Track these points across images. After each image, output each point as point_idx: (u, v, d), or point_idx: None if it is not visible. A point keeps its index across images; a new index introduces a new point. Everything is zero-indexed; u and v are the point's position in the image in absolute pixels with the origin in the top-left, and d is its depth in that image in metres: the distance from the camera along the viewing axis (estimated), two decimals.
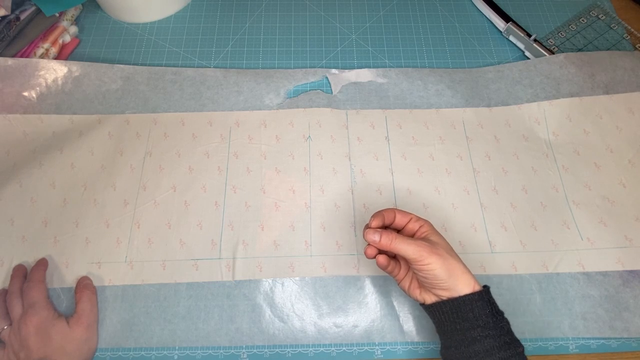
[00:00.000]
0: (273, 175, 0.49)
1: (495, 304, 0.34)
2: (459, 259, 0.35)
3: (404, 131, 0.51)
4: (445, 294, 0.34)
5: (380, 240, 0.35)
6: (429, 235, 0.36)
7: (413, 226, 0.37)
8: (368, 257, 0.37)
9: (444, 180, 0.48)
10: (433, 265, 0.34)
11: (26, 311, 0.38)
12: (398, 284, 0.39)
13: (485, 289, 0.34)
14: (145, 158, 0.49)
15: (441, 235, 0.37)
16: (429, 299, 0.36)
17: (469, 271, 0.35)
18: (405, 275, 0.38)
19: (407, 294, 0.38)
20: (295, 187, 0.48)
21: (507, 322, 0.34)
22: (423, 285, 0.36)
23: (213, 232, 0.46)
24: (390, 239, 0.35)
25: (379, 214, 0.37)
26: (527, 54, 0.57)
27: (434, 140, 0.50)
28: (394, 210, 0.38)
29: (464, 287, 0.34)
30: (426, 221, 0.38)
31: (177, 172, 0.48)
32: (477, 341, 0.33)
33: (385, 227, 0.38)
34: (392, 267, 0.38)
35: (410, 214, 0.38)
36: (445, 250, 0.35)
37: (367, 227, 0.37)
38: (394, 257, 0.39)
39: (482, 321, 0.33)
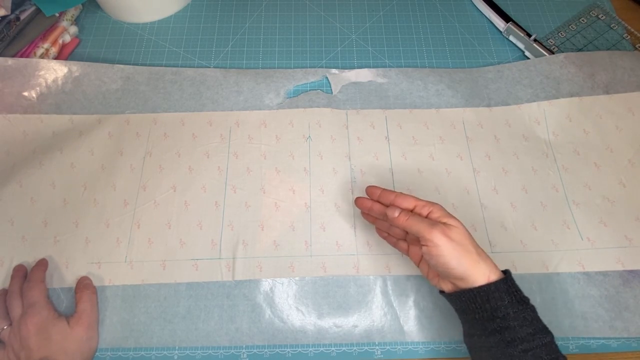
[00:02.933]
0: (273, 175, 0.49)
1: (518, 291, 0.33)
2: (475, 245, 0.34)
3: (404, 131, 0.51)
4: (462, 284, 0.33)
5: (398, 216, 0.35)
6: (442, 218, 0.34)
7: (420, 212, 0.36)
8: (361, 207, 0.39)
9: (444, 180, 0.48)
10: (442, 249, 0.32)
11: (26, 311, 0.38)
12: (417, 266, 0.38)
13: (504, 278, 0.32)
14: (145, 158, 0.49)
15: (456, 219, 0.35)
16: (446, 287, 0.35)
17: (486, 258, 0.33)
18: (421, 259, 0.37)
19: (427, 279, 0.37)
20: (295, 187, 0.48)
21: (532, 310, 0.33)
22: (439, 273, 0.35)
23: (213, 232, 0.46)
24: (407, 216, 0.35)
25: (407, 197, 0.36)
26: (527, 54, 0.57)
27: (434, 140, 0.50)
28: (394, 193, 0.37)
29: (479, 276, 0.32)
30: (434, 205, 0.35)
31: (177, 172, 0.48)
32: (497, 332, 0.32)
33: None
34: (403, 246, 0.38)
35: (416, 200, 0.36)
36: (460, 235, 0.33)
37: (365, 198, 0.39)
38: (404, 239, 0.39)
39: (501, 312, 0.32)
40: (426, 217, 0.35)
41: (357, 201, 0.41)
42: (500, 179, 0.48)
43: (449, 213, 0.36)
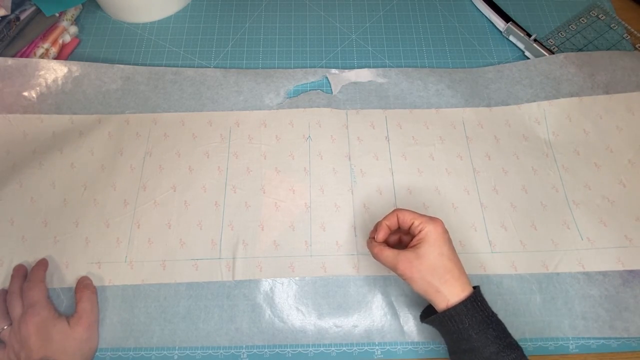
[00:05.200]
0: (273, 175, 0.49)
1: (480, 311, 0.34)
2: (445, 262, 0.35)
3: (404, 131, 0.51)
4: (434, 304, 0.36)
5: (367, 246, 0.40)
6: (419, 244, 0.36)
7: (414, 230, 0.37)
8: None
9: (444, 180, 0.48)
10: (408, 281, 0.36)
11: (26, 311, 0.38)
12: None
13: (463, 301, 0.34)
14: (145, 158, 0.49)
15: (437, 244, 0.35)
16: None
17: (450, 280, 0.34)
18: None
19: None
20: (295, 187, 0.48)
21: (496, 328, 0.34)
22: None
23: (213, 232, 0.46)
24: (372, 248, 0.38)
25: (382, 225, 0.38)
26: (527, 54, 0.57)
27: (434, 140, 0.50)
28: (395, 215, 0.38)
29: (440, 302, 0.34)
30: (429, 224, 0.36)
31: (177, 172, 0.48)
32: (466, 352, 0.33)
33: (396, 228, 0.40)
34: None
35: (414, 216, 0.37)
36: (426, 267, 0.35)
37: (372, 239, 0.39)
38: None
39: (465, 334, 0.33)
40: (409, 229, 0.38)
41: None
42: (500, 179, 0.48)
43: (423, 219, 0.36)
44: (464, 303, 0.34)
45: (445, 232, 0.36)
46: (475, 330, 0.33)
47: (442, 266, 0.35)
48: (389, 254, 0.37)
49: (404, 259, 0.35)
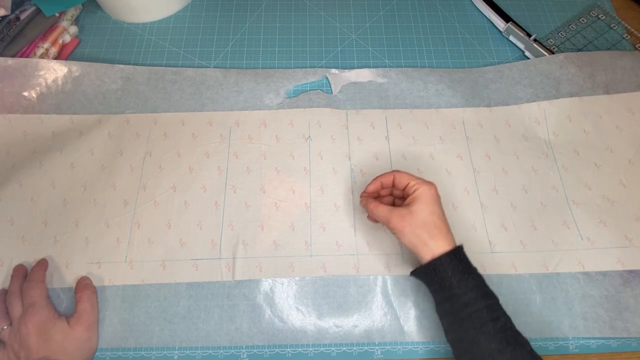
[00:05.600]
0: (273, 175, 0.49)
1: (461, 263, 0.36)
2: (435, 220, 0.37)
3: (404, 131, 0.51)
4: (417, 258, 0.38)
5: (361, 203, 0.43)
6: (413, 202, 0.38)
7: (408, 190, 0.40)
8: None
9: (444, 180, 0.48)
10: (398, 235, 0.38)
11: (26, 311, 0.38)
12: None
13: (447, 253, 0.36)
14: (145, 158, 0.49)
15: (430, 203, 0.38)
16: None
17: (438, 235, 0.37)
18: None
19: None
20: (295, 187, 0.48)
21: (475, 278, 0.36)
22: None
23: (213, 232, 0.46)
24: (368, 203, 0.41)
25: (376, 179, 0.42)
26: (527, 54, 0.57)
27: (434, 140, 0.50)
28: (392, 174, 0.41)
29: (425, 254, 0.37)
30: (424, 185, 0.39)
31: (177, 172, 0.48)
32: (447, 300, 0.36)
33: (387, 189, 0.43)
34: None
35: (410, 177, 0.40)
36: (417, 222, 0.37)
37: (363, 192, 0.43)
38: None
39: (447, 282, 0.36)
40: (404, 189, 0.40)
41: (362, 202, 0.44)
42: (500, 179, 0.48)
43: (419, 180, 0.40)
44: (447, 254, 0.36)
45: (438, 195, 0.39)
46: (457, 278, 0.36)
47: (431, 222, 0.38)
48: (383, 208, 0.39)
49: (397, 214, 0.38)
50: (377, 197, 0.43)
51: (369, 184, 0.42)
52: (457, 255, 0.37)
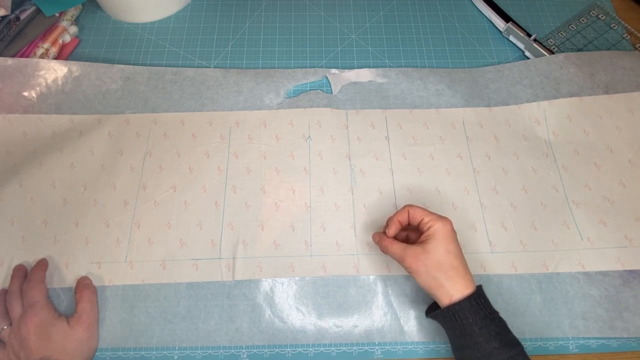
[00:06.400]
0: (273, 175, 0.49)
1: (483, 308, 0.34)
2: (451, 260, 0.35)
3: (404, 131, 0.51)
4: (435, 299, 0.36)
5: (374, 239, 0.41)
6: (427, 240, 0.37)
7: (422, 226, 0.38)
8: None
9: (444, 180, 0.48)
10: (413, 274, 0.37)
11: (26, 311, 0.38)
12: None
13: (467, 297, 0.34)
14: (145, 158, 0.49)
15: (445, 241, 0.36)
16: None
17: (454, 277, 0.35)
18: None
19: None
20: (295, 187, 0.48)
21: (498, 324, 0.35)
22: None
23: (213, 232, 0.46)
24: (382, 240, 0.39)
25: (394, 220, 0.39)
26: (527, 54, 0.57)
27: (434, 140, 0.50)
28: (406, 210, 0.39)
29: (442, 297, 0.35)
30: (438, 221, 0.37)
31: (177, 172, 0.48)
32: (468, 347, 0.34)
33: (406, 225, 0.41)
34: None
35: (424, 212, 0.38)
36: (432, 262, 0.35)
37: (382, 233, 0.40)
38: None
39: (468, 329, 0.34)
40: (418, 225, 0.39)
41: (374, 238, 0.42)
42: (500, 179, 0.48)
43: (433, 216, 0.37)
44: (468, 299, 0.34)
45: (454, 231, 0.37)
46: (478, 325, 0.34)
47: (447, 263, 0.36)
48: (397, 247, 0.38)
49: (411, 253, 0.36)
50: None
51: (388, 227, 0.40)
52: (477, 299, 0.35)
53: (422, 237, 0.37)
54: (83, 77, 0.53)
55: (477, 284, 0.37)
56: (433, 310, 0.38)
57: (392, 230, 0.39)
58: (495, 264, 0.44)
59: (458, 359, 0.36)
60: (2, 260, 0.44)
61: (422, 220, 0.38)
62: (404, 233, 0.42)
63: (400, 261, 0.37)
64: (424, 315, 0.42)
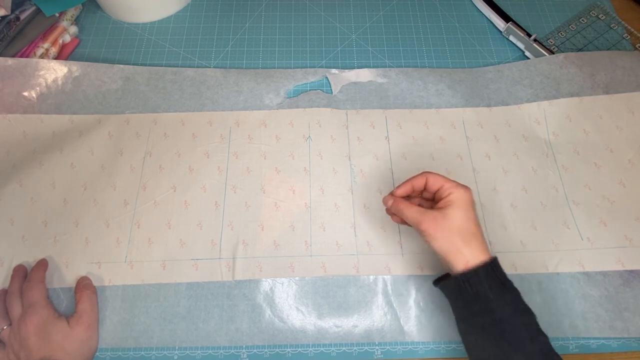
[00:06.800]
0: (273, 175, 0.49)
1: (499, 275, 0.34)
2: (469, 227, 0.35)
3: (404, 131, 0.51)
4: (446, 265, 0.36)
5: (386, 203, 0.40)
6: (447, 206, 0.36)
7: (442, 193, 0.37)
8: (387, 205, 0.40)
9: None
10: (429, 238, 0.35)
11: (26, 311, 0.38)
12: None
13: (483, 264, 0.34)
14: (145, 158, 0.49)
15: (466, 208, 0.36)
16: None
17: (472, 243, 0.35)
18: None
19: None
20: (295, 187, 0.48)
21: (513, 293, 0.34)
22: None
23: (213, 232, 0.46)
24: (398, 203, 0.38)
25: (407, 182, 0.39)
26: (527, 54, 0.57)
27: (434, 140, 0.50)
28: (424, 176, 0.38)
29: (458, 262, 0.34)
30: (459, 188, 0.36)
31: (177, 172, 0.48)
32: (480, 314, 0.34)
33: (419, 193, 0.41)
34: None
35: (444, 179, 0.37)
36: (452, 227, 0.35)
37: (391, 193, 0.40)
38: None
39: (482, 295, 0.33)
40: (436, 192, 0.38)
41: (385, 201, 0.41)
42: (500, 179, 0.48)
43: (453, 183, 0.37)
44: (484, 266, 0.34)
45: (473, 200, 0.37)
46: (494, 292, 0.33)
47: (467, 229, 0.35)
48: (414, 209, 0.37)
49: (429, 217, 0.36)
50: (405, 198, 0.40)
51: (399, 187, 0.39)
52: (494, 266, 0.34)
53: (441, 203, 0.37)
54: (83, 77, 0.53)
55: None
56: (442, 281, 0.38)
57: (402, 190, 0.39)
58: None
59: (463, 330, 0.36)
60: (2, 260, 0.44)
61: (442, 186, 0.37)
62: (416, 200, 0.41)
63: (417, 225, 0.36)
64: (424, 315, 0.42)
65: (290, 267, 0.44)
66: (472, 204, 0.36)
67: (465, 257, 0.34)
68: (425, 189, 0.39)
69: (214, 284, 0.44)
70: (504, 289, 0.34)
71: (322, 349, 0.42)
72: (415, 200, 0.41)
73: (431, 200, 0.40)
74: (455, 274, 0.35)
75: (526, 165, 0.49)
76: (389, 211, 0.41)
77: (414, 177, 0.39)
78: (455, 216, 0.35)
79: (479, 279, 0.34)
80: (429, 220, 0.36)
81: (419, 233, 0.37)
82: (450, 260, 0.35)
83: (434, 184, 0.38)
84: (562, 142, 0.50)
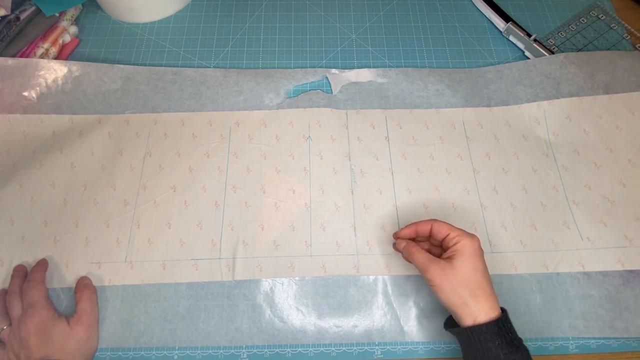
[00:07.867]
0: (273, 175, 0.49)
1: (510, 333, 0.34)
2: (477, 279, 0.34)
3: (404, 131, 0.51)
4: (455, 317, 0.35)
5: (397, 246, 0.40)
6: (454, 256, 0.35)
7: (448, 242, 0.37)
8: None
9: (444, 180, 0.48)
10: (435, 289, 0.35)
11: (26, 311, 0.38)
12: None
13: (494, 320, 0.33)
14: (145, 158, 0.49)
15: (473, 258, 0.35)
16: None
17: (480, 297, 0.34)
18: None
19: None
20: (295, 187, 0.48)
21: (523, 353, 0.33)
22: None
23: (213, 232, 0.46)
24: (408, 246, 0.38)
25: (412, 226, 0.39)
26: (527, 54, 0.57)
27: (434, 140, 0.50)
28: (430, 223, 0.38)
29: (466, 317, 0.34)
30: (466, 237, 0.36)
31: (177, 172, 0.48)
32: None
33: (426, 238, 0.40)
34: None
35: (450, 228, 0.37)
36: (458, 279, 0.34)
37: (396, 234, 0.40)
38: None
39: (492, 353, 0.33)
40: (442, 240, 0.37)
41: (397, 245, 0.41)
42: (500, 179, 0.48)
43: (460, 232, 0.36)
44: (495, 322, 0.33)
45: (481, 249, 0.36)
46: (504, 351, 0.33)
47: (474, 281, 0.34)
48: (424, 256, 0.36)
49: (436, 266, 0.35)
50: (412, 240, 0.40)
51: (403, 229, 0.39)
52: (505, 323, 0.34)
53: (448, 253, 0.36)
54: (83, 77, 0.53)
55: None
56: (451, 324, 0.37)
57: (405, 231, 0.39)
58: (495, 264, 0.44)
59: None
60: (2, 260, 0.44)
61: (447, 235, 0.36)
62: (425, 246, 0.40)
63: (424, 272, 0.36)
64: (424, 315, 0.42)
65: (290, 267, 0.44)
66: (479, 253, 0.36)
67: (472, 311, 0.34)
68: (431, 235, 0.39)
69: (214, 284, 0.44)
70: (514, 350, 0.33)
71: (322, 349, 0.42)
72: (423, 244, 0.41)
73: (439, 246, 0.39)
74: (463, 326, 0.34)
75: (526, 165, 0.49)
76: (397, 249, 0.41)
77: (419, 221, 0.39)
78: (462, 267, 0.35)
79: (490, 336, 0.33)
80: (435, 269, 0.35)
81: (426, 282, 0.36)
82: (458, 313, 0.34)
83: (439, 231, 0.37)
84: (562, 142, 0.50)
